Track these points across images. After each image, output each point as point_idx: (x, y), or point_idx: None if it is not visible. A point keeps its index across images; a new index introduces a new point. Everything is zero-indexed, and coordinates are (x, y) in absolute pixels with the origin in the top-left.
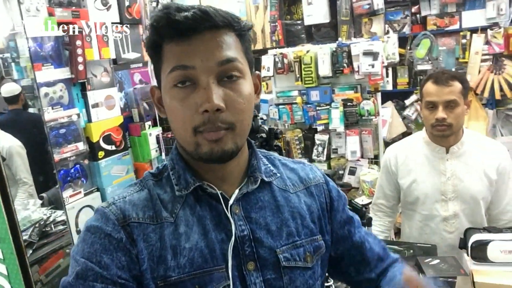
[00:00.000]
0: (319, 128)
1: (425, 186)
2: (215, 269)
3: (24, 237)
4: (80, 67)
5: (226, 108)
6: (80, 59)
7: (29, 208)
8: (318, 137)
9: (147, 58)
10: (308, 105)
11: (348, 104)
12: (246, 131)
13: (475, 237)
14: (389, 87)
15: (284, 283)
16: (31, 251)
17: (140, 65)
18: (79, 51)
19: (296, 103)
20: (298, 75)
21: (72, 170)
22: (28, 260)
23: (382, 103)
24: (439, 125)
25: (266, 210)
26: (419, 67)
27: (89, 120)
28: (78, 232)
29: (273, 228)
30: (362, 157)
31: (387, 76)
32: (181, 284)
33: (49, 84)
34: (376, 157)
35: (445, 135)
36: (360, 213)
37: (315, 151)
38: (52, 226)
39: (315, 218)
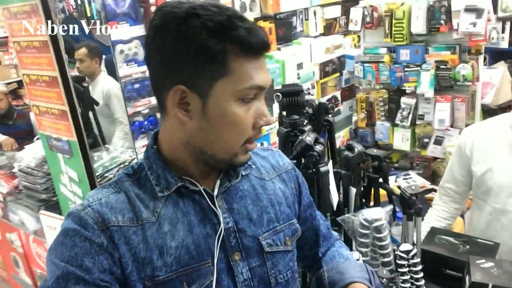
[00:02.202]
0: (407, 91)
1: (501, 176)
2: (201, 264)
3: (110, 176)
4: None
5: None
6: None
7: (117, 149)
8: (404, 101)
9: None
10: (396, 65)
11: (441, 66)
12: None
13: None
14: (504, 44)
15: (267, 268)
16: None
17: None
18: (153, 8)
19: (383, 61)
20: (388, 31)
21: (146, 122)
22: None
23: (494, 62)
24: None
25: (247, 199)
26: None
27: None
28: None
29: (254, 216)
30: (452, 126)
31: (503, 31)
32: (170, 282)
33: (124, 41)
34: None
35: None
36: (408, 203)
37: (399, 115)
38: None
39: (290, 203)
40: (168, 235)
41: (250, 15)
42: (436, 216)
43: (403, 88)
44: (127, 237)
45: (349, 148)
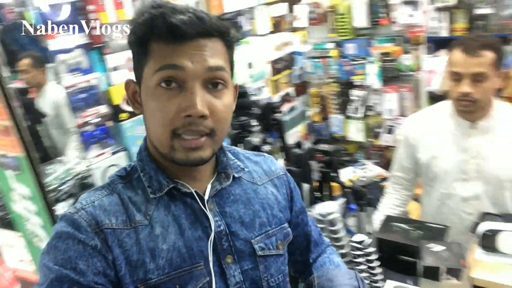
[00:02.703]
0: (357, 83)
1: (445, 163)
2: (194, 267)
3: (66, 189)
4: (96, 31)
5: (208, 116)
6: (95, 23)
7: (71, 160)
8: (354, 93)
9: None
10: (344, 59)
11: (386, 58)
12: (223, 138)
13: (485, 226)
14: (444, 33)
15: (260, 271)
16: (74, 201)
17: None
18: (93, 15)
19: (331, 56)
20: (332, 26)
21: (97, 132)
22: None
23: (436, 50)
24: (463, 99)
25: (238, 203)
26: (478, 11)
27: (111, 83)
28: None
29: (246, 220)
30: (401, 115)
31: (441, 21)
32: (162, 285)
33: (66, 51)
34: None
35: (468, 111)
36: (359, 195)
37: (350, 108)
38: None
39: (282, 207)
40: (160, 238)
41: None
42: (389, 204)
43: (352, 81)
44: (120, 239)
45: (298, 145)
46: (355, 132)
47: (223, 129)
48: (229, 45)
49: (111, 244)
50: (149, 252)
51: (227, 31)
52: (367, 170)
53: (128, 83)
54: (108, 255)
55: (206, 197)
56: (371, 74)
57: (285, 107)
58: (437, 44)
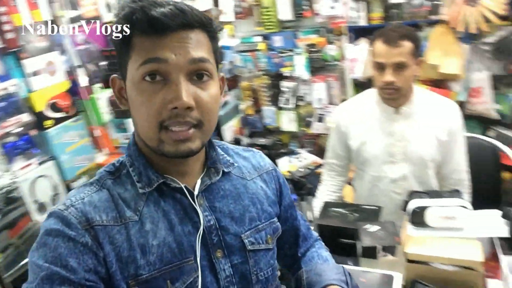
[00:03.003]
0: (286, 75)
1: (374, 147)
2: (184, 262)
3: None
4: (10, 35)
5: (195, 107)
6: (7, 26)
7: None
8: (284, 84)
9: (88, 15)
10: (272, 52)
11: (312, 49)
12: (212, 130)
13: (414, 203)
14: (362, 22)
15: (250, 265)
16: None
17: (83, 23)
18: (4, 18)
19: (259, 49)
20: (258, 20)
21: (20, 142)
22: None
23: (356, 39)
24: (387, 88)
25: (228, 198)
26: (393, 0)
27: (31, 89)
28: (35, 202)
29: (236, 215)
30: (330, 103)
31: (359, 11)
32: (153, 280)
33: None
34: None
35: (392, 98)
36: (299, 185)
37: (282, 99)
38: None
39: (271, 202)
40: (150, 234)
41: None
42: (326, 191)
43: (282, 73)
44: (111, 236)
45: (237, 141)
46: (287, 122)
47: (210, 120)
48: (212, 36)
49: (102, 241)
50: (139, 248)
51: (209, 22)
52: (302, 159)
53: (113, 80)
54: (99, 252)
55: (195, 192)
56: (299, 65)
57: None
58: (357, 33)
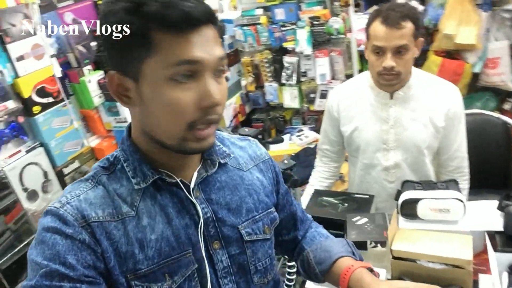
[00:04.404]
0: (289, 49)
1: (367, 134)
2: (182, 254)
3: None
4: None
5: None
6: None
7: None
8: (286, 60)
9: None
10: (273, 25)
11: (315, 22)
12: None
13: (405, 195)
14: None
15: (247, 256)
16: None
17: (71, 2)
18: None
19: (260, 23)
20: None
21: (7, 130)
22: None
23: (369, 7)
24: (387, 74)
25: (225, 190)
26: None
27: (17, 75)
28: (25, 190)
29: (233, 207)
30: (333, 79)
31: None
32: (151, 275)
33: None
34: (350, 76)
35: (391, 84)
36: (284, 176)
37: (284, 75)
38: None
39: (268, 192)
40: (148, 228)
41: None
42: (318, 177)
43: (285, 47)
44: (108, 232)
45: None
46: (290, 99)
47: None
48: (220, 29)
49: (99, 237)
50: (137, 243)
51: (215, 15)
52: (303, 137)
53: (112, 76)
54: (97, 248)
55: (192, 185)
56: (302, 40)
57: None
58: (369, 1)
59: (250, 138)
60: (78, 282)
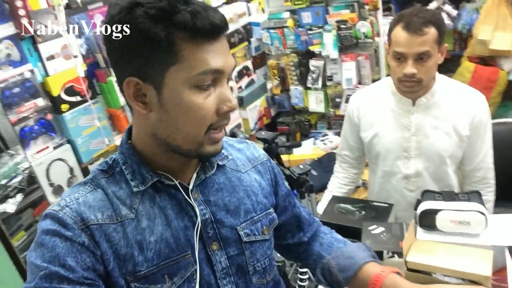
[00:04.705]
0: (315, 53)
1: (387, 141)
2: (181, 256)
3: (15, 184)
4: (24, 20)
5: None
6: (21, 11)
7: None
8: (312, 63)
9: None
10: (300, 29)
11: (342, 26)
12: None
13: (424, 205)
14: None
15: (246, 256)
16: (22, 196)
17: (100, 4)
18: (19, 3)
19: (287, 26)
20: None
21: (36, 126)
22: (20, 205)
23: (401, 9)
24: (407, 80)
25: (223, 191)
26: None
27: (47, 74)
28: (51, 185)
29: (231, 208)
30: (359, 83)
31: None
32: (151, 276)
33: None
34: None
35: (413, 91)
36: (298, 182)
37: (309, 78)
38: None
39: (266, 193)
40: (147, 230)
41: None
42: (337, 183)
43: (312, 51)
44: (107, 234)
45: (233, 135)
46: (315, 103)
47: None
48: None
49: (98, 240)
50: (137, 245)
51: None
52: (327, 141)
53: (129, 83)
54: (96, 251)
55: (190, 187)
56: (328, 43)
57: (243, 82)
58: (402, 5)
59: (248, 141)
60: (78, 284)
